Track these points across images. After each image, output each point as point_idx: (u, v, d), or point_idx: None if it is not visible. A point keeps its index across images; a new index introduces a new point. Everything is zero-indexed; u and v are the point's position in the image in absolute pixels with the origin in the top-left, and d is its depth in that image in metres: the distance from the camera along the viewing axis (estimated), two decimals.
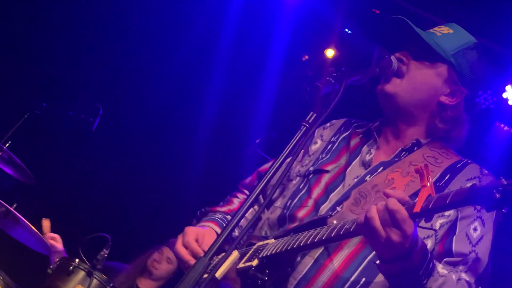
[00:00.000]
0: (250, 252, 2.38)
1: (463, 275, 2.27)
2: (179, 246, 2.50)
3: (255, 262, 2.28)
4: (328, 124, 2.92)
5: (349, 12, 6.93)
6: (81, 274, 4.75)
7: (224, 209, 2.89)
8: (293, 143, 2.06)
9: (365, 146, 2.68)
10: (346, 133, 2.81)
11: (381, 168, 2.54)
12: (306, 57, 7.43)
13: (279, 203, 2.69)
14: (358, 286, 2.32)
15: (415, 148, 2.58)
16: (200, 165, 7.43)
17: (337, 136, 2.82)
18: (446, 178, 2.48)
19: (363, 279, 2.32)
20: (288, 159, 2.05)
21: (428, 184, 1.93)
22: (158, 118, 7.46)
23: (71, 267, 4.73)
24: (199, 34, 7.21)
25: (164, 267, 5.88)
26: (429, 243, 2.35)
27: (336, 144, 2.77)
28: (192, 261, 2.45)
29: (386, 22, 2.66)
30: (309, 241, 2.18)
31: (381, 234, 1.96)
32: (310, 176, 2.67)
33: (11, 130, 5.45)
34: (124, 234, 6.59)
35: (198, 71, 7.45)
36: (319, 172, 2.65)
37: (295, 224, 2.48)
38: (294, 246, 2.21)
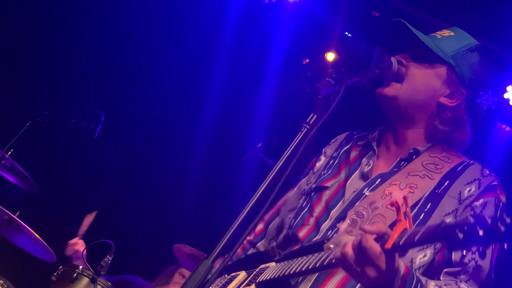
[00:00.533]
0: (252, 275, 2.42)
1: (463, 285, 2.26)
2: None
3: None
4: (332, 140, 2.92)
5: (349, 15, 6.94)
6: (85, 280, 4.76)
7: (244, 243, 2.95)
8: (294, 145, 2.06)
9: (365, 158, 2.67)
10: (347, 147, 2.80)
11: (379, 180, 2.53)
12: (307, 60, 7.44)
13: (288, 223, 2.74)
14: None
15: (414, 157, 2.56)
16: (202, 170, 7.44)
17: (338, 151, 2.82)
18: (445, 184, 2.46)
19: None
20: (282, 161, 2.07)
21: (405, 217, 1.93)
22: (160, 123, 7.48)
23: (75, 274, 4.74)
24: (199, 39, 7.23)
25: None
26: (428, 254, 2.36)
27: (337, 159, 2.77)
28: None
29: (386, 25, 2.66)
30: (298, 269, 2.18)
31: (356, 269, 1.97)
32: (312, 194, 2.68)
33: (13, 138, 5.46)
34: (128, 240, 6.59)
35: (199, 76, 7.47)
36: (320, 189, 2.66)
37: (297, 245, 2.52)
38: (285, 274, 2.23)
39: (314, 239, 2.49)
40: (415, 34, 2.56)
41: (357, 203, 2.47)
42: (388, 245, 1.89)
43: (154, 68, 7.36)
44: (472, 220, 1.68)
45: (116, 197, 7.41)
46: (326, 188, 2.64)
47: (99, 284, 4.73)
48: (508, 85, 6.21)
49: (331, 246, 2.22)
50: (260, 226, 2.96)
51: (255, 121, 7.24)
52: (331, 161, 2.79)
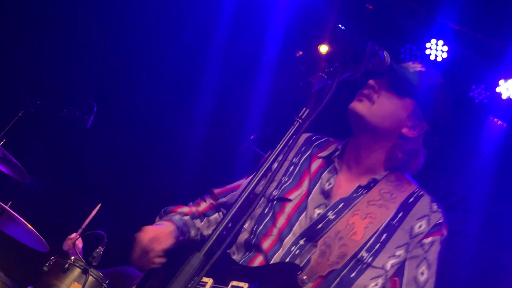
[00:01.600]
0: None
1: None
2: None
3: None
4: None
5: (343, 8, 6.93)
6: (77, 271, 4.77)
7: (186, 210, 2.94)
8: (286, 139, 2.08)
9: (326, 172, 2.76)
10: (307, 154, 2.87)
11: (342, 204, 2.63)
12: (300, 52, 7.43)
13: (246, 224, 2.76)
14: None
15: (372, 185, 2.67)
16: (195, 162, 7.43)
17: (298, 157, 2.87)
18: (400, 216, 2.61)
19: None
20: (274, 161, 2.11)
21: None
22: (153, 114, 7.46)
23: (67, 265, 4.74)
24: (193, 30, 7.21)
25: None
26: (380, 283, 2.53)
27: (298, 167, 2.83)
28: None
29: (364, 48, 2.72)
30: None
31: None
32: (275, 202, 2.73)
33: (5, 128, 5.45)
34: (121, 232, 6.59)
35: (192, 68, 7.45)
36: (283, 200, 2.72)
37: (261, 255, 2.58)
38: None
39: (278, 253, 2.56)
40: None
41: (321, 225, 2.58)
42: None
43: (147, 58, 7.34)
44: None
45: (109, 187, 7.39)
46: (290, 200, 2.70)
47: (90, 275, 4.74)
48: (500, 79, 6.22)
49: (304, 277, 2.39)
50: (209, 201, 3.04)
51: (248, 113, 7.24)
52: (292, 167, 2.84)
